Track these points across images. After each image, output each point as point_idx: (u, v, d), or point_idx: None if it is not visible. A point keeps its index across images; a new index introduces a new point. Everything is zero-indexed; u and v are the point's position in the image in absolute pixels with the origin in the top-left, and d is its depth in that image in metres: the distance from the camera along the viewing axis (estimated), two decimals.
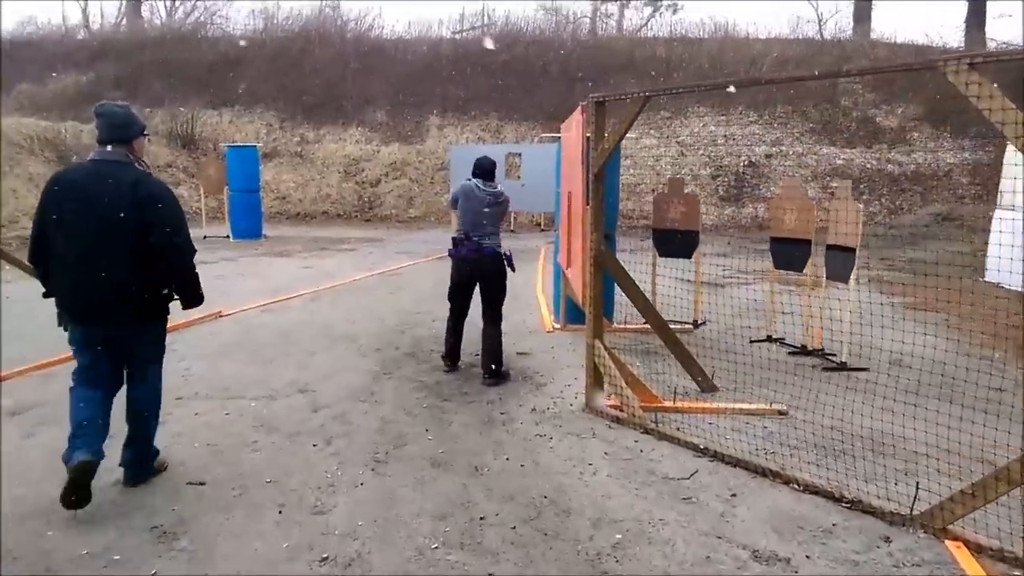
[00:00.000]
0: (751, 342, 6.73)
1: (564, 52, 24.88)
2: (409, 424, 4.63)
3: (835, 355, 6.27)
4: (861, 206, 5.97)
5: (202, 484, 3.73)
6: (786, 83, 3.61)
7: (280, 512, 3.44)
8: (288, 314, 7.95)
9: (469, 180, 5.61)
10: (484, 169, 5.59)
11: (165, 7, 34.07)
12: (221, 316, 7.75)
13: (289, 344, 6.61)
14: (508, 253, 5.67)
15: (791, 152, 20.42)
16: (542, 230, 18.44)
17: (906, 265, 11.13)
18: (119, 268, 3.35)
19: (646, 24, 33.14)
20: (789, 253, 6.50)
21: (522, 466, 3.99)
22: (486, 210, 5.51)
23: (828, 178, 19.24)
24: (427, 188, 20.90)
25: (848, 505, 3.52)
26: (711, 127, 21.37)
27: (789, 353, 6.46)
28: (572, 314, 7.23)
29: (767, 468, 3.86)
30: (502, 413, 4.84)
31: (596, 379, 4.84)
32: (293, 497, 3.59)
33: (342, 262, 12.19)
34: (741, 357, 6.05)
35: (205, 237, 15.21)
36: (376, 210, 20.47)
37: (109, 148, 3.46)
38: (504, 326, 5.75)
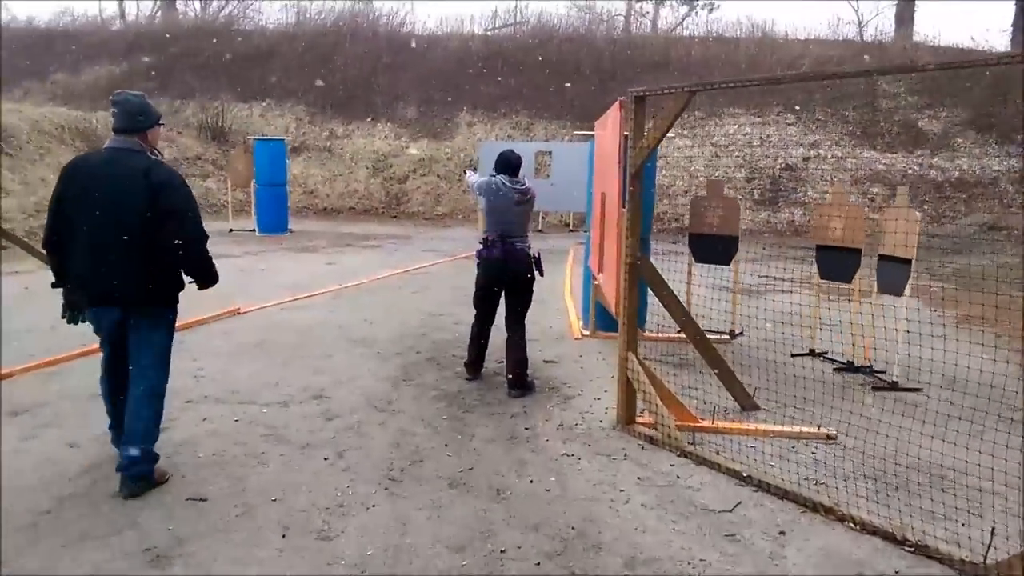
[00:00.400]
0: (793, 356, 6.33)
1: (597, 50, 24.48)
2: (427, 438, 4.33)
3: (884, 372, 5.86)
4: (919, 215, 5.55)
5: (203, 500, 3.46)
6: (831, 79, 3.25)
7: (284, 536, 3.15)
8: (308, 312, 7.71)
9: (493, 175, 5.27)
10: (509, 164, 5.21)
11: (199, 1, 34.19)
12: (240, 313, 7.52)
13: (307, 345, 6.36)
14: (537, 255, 5.36)
15: (830, 156, 19.83)
16: (571, 230, 18.08)
17: (952, 276, 10.62)
18: (131, 251, 3.38)
19: (681, 23, 32.62)
20: (837, 263, 6.10)
21: (548, 490, 3.67)
22: (515, 208, 5.17)
23: (868, 183, 18.65)
24: (455, 185, 20.63)
25: (912, 549, 3.15)
26: (747, 128, 20.85)
27: (835, 369, 6.06)
28: (602, 320, 6.89)
29: (819, 503, 3.50)
30: (527, 428, 4.53)
31: (629, 395, 4.50)
32: (299, 519, 3.31)
33: (367, 259, 11.95)
34: (783, 372, 5.69)
35: (231, 231, 15.11)
36: (403, 207, 20.26)
37: (123, 137, 3.49)
38: (530, 332, 5.43)
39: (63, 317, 3.56)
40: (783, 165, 19.85)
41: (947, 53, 23.79)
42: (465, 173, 6.19)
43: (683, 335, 4.81)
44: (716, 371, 4.83)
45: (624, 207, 4.41)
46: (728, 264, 6.92)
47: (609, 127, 5.09)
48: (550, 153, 16.94)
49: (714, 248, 6.88)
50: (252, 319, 7.35)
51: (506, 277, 5.22)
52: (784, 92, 21.02)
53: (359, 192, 20.66)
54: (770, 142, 20.32)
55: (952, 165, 19.15)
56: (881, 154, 19.70)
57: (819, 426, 4.57)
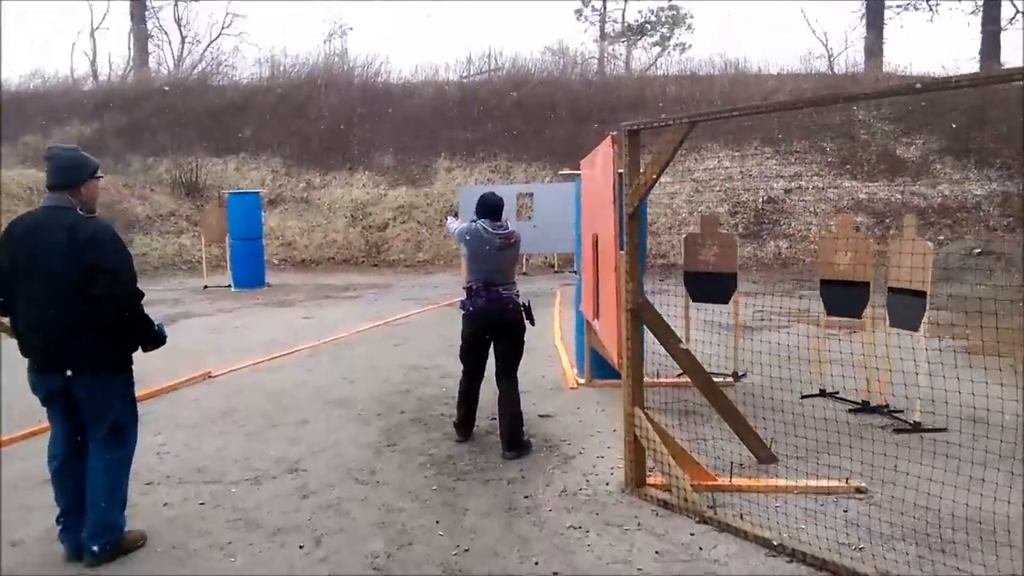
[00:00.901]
0: (803, 397, 5.95)
1: (572, 92, 24.52)
2: (415, 514, 3.87)
3: (902, 412, 5.49)
4: (931, 244, 5.24)
5: None
6: (829, 104, 2.94)
7: None
8: (284, 373, 7.23)
9: (475, 221, 4.90)
10: (489, 207, 4.86)
11: (172, 57, 34.17)
12: (211, 377, 7.03)
13: (281, 410, 5.88)
14: (527, 303, 4.97)
15: (811, 187, 19.77)
16: (556, 271, 17.76)
17: (948, 302, 10.35)
18: (67, 314, 3.22)
19: (654, 63, 32.91)
20: (844, 298, 5.76)
21: (555, 574, 3.22)
22: (499, 253, 4.79)
23: (852, 212, 18.54)
24: (436, 231, 20.31)
25: None
26: (726, 163, 20.78)
27: (849, 411, 5.67)
28: (598, 368, 6.48)
29: (864, 574, 3.08)
30: (526, 497, 4.08)
31: (637, 454, 4.08)
32: None
33: (346, 311, 11.50)
34: (795, 416, 5.26)
35: (206, 287, 14.63)
36: (383, 255, 19.88)
37: (56, 194, 3.33)
38: (522, 383, 5.01)
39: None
40: (765, 198, 19.75)
41: (919, 82, 24.01)
42: (446, 219, 5.80)
43: (684, 379, 4.42)
44: (729, 422, 4.43)
45: (622, 249, 4.05)
46: (727, 303, 6.58)
47: (599, 165, 4.76)
48: (531, 195, 16.69)
49: (712, 287, 6.53)
50: (224, 383, 6.87)
51: (493, 328, 4.83)
52: (762, 125, 21.04)
53: (338, 242, 20.27)
54: (751, 175, 20.25)
55: (934, 192, 19.14)
56: (862, 183, 19.67)
57: (847, 479, 4.17)
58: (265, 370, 7.37)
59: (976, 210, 18.30)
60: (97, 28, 44.06)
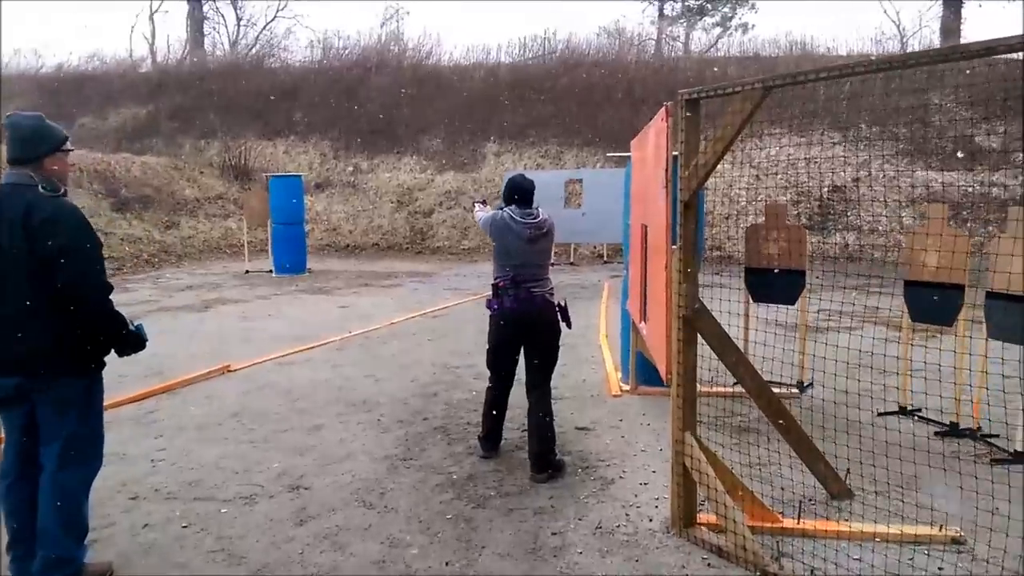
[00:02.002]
0: (879, 415, 5.20)
1: (628, 74, 23.62)
2: (423, 551, 3.32)
3: (996, 437, 4.72)
4: None
5: None
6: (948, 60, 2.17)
7: None
8: (307, 368, 6.78)
9: (502, 209, 4.30)
10: (519, 191, 4.28)
11: (228, 39, 34.33)
12: (230, 371, 6.62)
13: (296, 413, 5.41)
14: (563, 303, 4.36)
15: (880, 175, 18.58)
16: (605, 262, 17.05)
17: None
18: (18, 307, 2.78)
19: (715, 44, 31.65)
20: (933, 302, 4.99)
21: None
22: (529, 246, 4.20)
23: (926, 203, 17.31)
24: None
25: None
26: (789, 149, 19.68)
27: (935, 433, 4.92)
28: (645, 373, 5.84)
29: None
30: (554, 533, 3.49)
31: (687, 488, 3.45)
32: None
33: (383, 301, 11.05)
34: (871, 439, 4.54)
35: (247, 272, 14.41)
36: (428, 242, 19.44)
37: (16, 170, 2.89)
38: (560, 387, 4.43)
39: None
40: (831, 187, 18.63)
41: (997, 64, 22.47)
42: (473, 207, 5.12)
43: (736, 388, 3.77)
44: (796, 450, 3.76)
45: (675, 243, 3.40)
46: (793, 304, 5.86)
47: (651, 145, 4.10)
48: (581, 181, 16.01)
49: (777, 285, 5.81)
50: (242, 378, 6.45)
51: (523, 331, 4.25)
52: (829, 110, 19.88)
53: (383, 228, 19.92)
54: (815, 163, 19.14)
55: (1016, 182, 17.75)
56: (938, 172, 18.38)
57: (941, 525, 3.47)
58: (288, 364, 6.93)
59: None
60: (156, 11, 44.80)
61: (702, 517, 3.51)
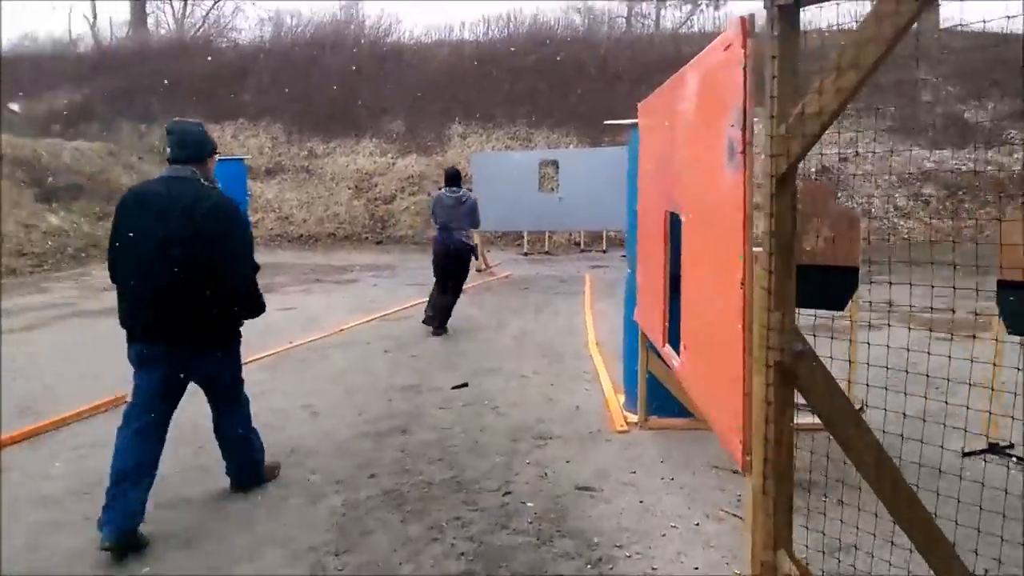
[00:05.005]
0: (966, 455, 3.97)
1: (600, 52, 22.28)
2: None
3: None
4: None
5: None
6: None
7: None
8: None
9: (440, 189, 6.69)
10: (450, 176, 7.71)
11: (174, 16, 32.18)
12: (123, 401, 5.18)
13: (195, 471, 4.02)
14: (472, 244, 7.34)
15: (869, 155, 17.53)
16: (582, 250, 15.77)
17: None
18: (183, 283, 3.22)
19: (687, 21, 30.42)
20: None
21: None
22: (451, 210, 7.51)
23: (919, 183, 16.36)
24: None
25: None
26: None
27: None
28: (658, 397, 4.56)
29: None
30: None
31: None
32: None
33: (335, 300, 9.64)
34: (958, 492, 3.25)
35: None
36: (389, 231, 17.97)
37: (178, 166, 3.38)
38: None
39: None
40: (818, 167, 17.51)
41: (981, 38, 21.55)
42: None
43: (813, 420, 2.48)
44: (918, 546, 2.48)
45: (749, 248, 2.11)
46: (843, 308, 4.62)
47: (697, 92, 2.77)
48: (556, 163, 14.68)
49: (822, 286, 4.54)
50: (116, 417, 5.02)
51: (442, 255, 7.55)
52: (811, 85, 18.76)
53: (340, 216, 18.38)
54: None
55: (1011, 160, 16.84)
56: (929, 151, 17.40)
57: None
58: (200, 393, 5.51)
59: None
60: None
61: None
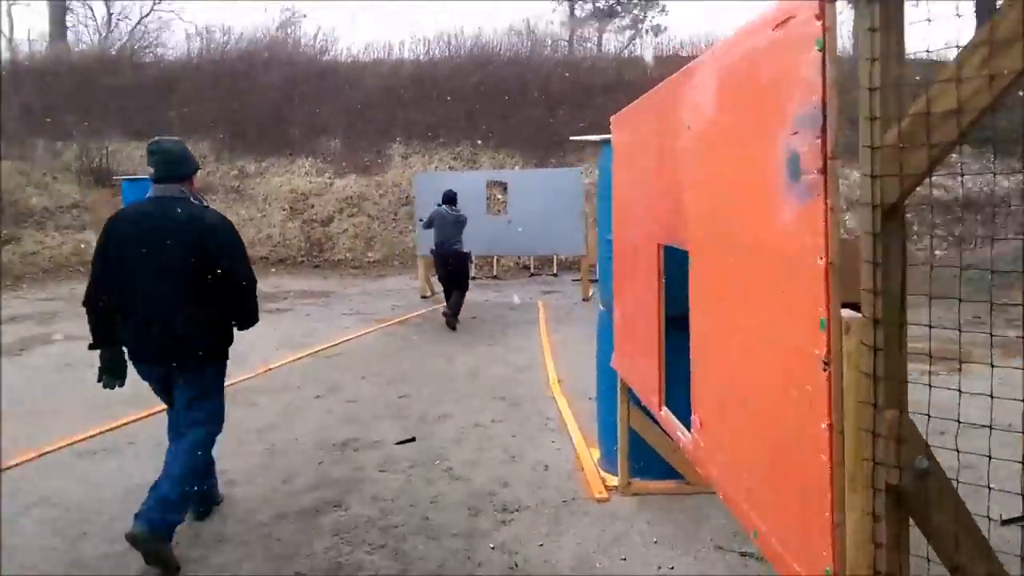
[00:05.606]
0: (1003, 523, 3.41)
1: (543, 73, 21.87)
2: None
3: None
4: None
5: None
6: None
7: None
8: (115, 461, 4.50)
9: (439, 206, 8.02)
10: (447, 198, 9.02)
11: (98, 32, 30.53)
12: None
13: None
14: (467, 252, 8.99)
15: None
16: (532, 275, 15.13)
17: None
18: (182, 303, 3.28)
19: (627, 47, 30.38)
20: None
21: None
22: (451, 227, 8.85)
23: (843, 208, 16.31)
24: (389, 226, 17.53)
25: None
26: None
27: None
28: (641, 457, 3.88)
29: None
30: None
31: None
32: None
33: (263, 333, 8.60)
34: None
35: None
36: (326, 254, 17.01)
37: (165, 186, 3.36)
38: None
39: (99, 381, 3.39)
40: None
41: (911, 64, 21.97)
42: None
43: None
44: None
45: (835, 310, 1.45)
46: None
47: (715, 90, 2.13)
48: (503, 185, 14.04)
49: None
50: (13, 483, 4.10)
51: (443, 261, 8.85)
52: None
53: (273, 239, 17.34)
54: None
55: (954, 183, 16.98)
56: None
57: None
58: (91, 453, 4.60)
59: (1005, 204, 16.17)
60: (14, 3, 39.97)
61: None
